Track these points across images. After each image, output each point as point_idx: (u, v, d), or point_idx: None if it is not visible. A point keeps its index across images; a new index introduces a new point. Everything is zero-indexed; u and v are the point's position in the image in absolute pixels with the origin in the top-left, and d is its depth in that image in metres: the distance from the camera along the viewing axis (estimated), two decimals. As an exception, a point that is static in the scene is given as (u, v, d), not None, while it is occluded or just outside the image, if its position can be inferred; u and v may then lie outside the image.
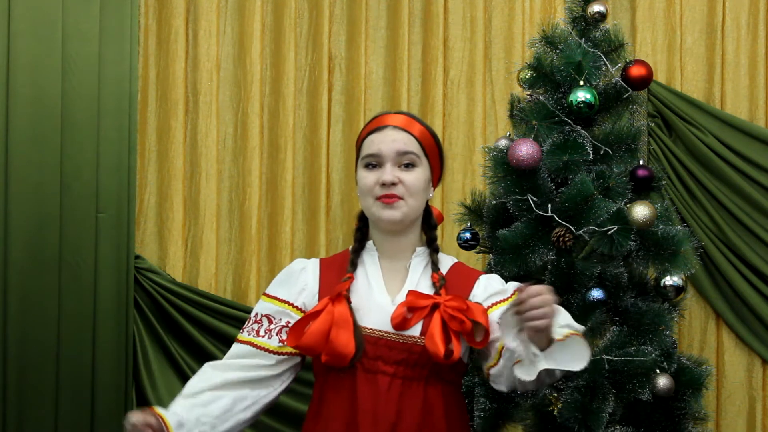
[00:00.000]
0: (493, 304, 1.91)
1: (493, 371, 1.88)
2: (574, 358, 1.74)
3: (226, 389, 1.88)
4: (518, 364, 1.77)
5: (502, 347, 1.84)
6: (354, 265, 1.94)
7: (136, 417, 1.77)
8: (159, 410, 1.80)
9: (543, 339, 1.72)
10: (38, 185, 3.19)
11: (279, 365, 1.92)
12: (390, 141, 1.89)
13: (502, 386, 1.87)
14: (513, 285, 1.95)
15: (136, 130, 3.35)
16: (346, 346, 1.80)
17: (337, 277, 1.92)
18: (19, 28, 3.18)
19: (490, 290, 1.93)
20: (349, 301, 1.85)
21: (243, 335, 1.95)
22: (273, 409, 3.32)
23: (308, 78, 3.51)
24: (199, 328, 3.33)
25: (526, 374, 1.76)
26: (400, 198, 1.88)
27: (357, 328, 1.83)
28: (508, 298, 1.92)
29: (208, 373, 1.91)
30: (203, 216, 3.42)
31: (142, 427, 1.76)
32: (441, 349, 1.78)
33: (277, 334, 1.92)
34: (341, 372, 1.85)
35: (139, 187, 3.38)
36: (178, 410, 1.83)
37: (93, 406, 3.24)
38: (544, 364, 1.73)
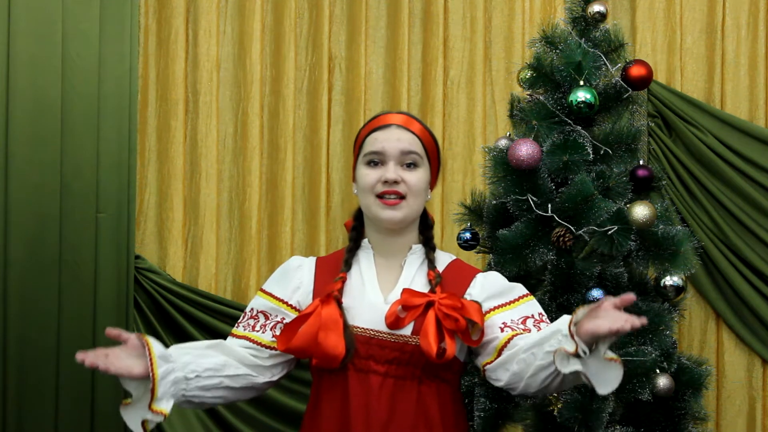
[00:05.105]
0: (494, 308, 1.90)
1: (489, 367, 1.87)
2: (606, 380, 1.67)
3: (222, 353, 1.90)
4: (558, 351, 1.69)
5: (502, 345, 1.84)
6: (348, 265, 1.94)
7: (114, 330, 1.75)
8: (147, 336, 1.77)
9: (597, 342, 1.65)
10: (38, 185, 3.19)
11: (271, 359, 1.94)
12: (395, 140, 1.89)
13: (500, 380, 1.86)
14: (517, 287, 1.95)
15: (136, 130, 3.35)
16: (335, 347, 1.80)
17: (333, 275, 1.92)
18: (19, 28, 3.18)
19: (489, 291, 1.92)
20: (339, 302, 1.85)
21: (238, 330, 1.96)
22: (272, 408, 3.36)
23: (308, 78, 3.51)
24: (199, 328, 3.33)
25: (563, 365, 1.68)
26: (402, 197, 1.88)
27: (347, 329, 1.83)
28: (512, 302, 1.91)
29: (210, 341, 1.94)
30: (203, 216, 3.42)
31: (115, 335, 1.74)
32: (434, 348, 1.78)
33: (271, 329, 1.93)
34: (334, 373, 1.85)
35: (139, 187, 3.38)
36: (170, 349, 1.82)
37: (93, 406, 3.24)
38: (579, 367, 1.65)
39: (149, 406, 1.73)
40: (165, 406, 1.75)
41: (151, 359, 1.72)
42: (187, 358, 1.84)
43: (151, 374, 1.72)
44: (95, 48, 3.26)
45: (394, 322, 1.83)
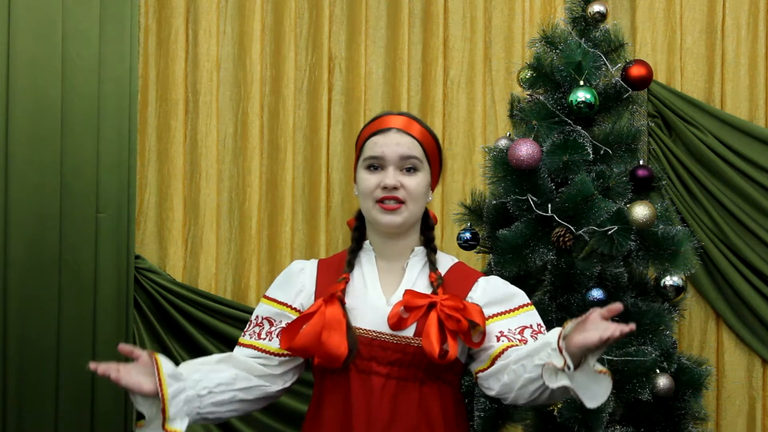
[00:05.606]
0: (494, 315, 1.89)
1: (481, 374, 1.88)
2: (594, 393, 1.66)
3: (232, 366, 1.90)
4: (546, 366, 1.69)
5: (496, 354, 1.84)
6: (351, 266, 1.94)
7: (126, 346, 1.75)
8: (157, 354, 1.76)
9: (583, 355, 1.64)
10: (38, 185, 3.19)
11: (281, 366, 1.93)
12: (394, 144, 1.89)
13: (491, 390, 1.86)
14: (519, 295, 1.94)
15: (136, 130, 3.35)
16: (338, 347, 1.80)
17: (335, 277, 1.92)
18: (19, 28, 3.18)
19: (491, 296, 1.91)
20: (342, 302, 1.85)
21: (245, 338, 1.95)
22: (273, 409, 3.36)
23: (308, 78, 3.51)
24: (199, 328, 3.33)
25: (551, 380, 1.68)
26: (402, 202, 1.87)
27: (350, 330, 1.83)
28: (511, 310, 1.90)
29: (219, 354, 1.94)
30: (203, 216, 3.42)
31: (127, 352, 1.75)
32: (436, 349, 1.78)
33: (277, 336, 1.92)
34: (336, 373, 1.85)
35: (139, 187, 3.38)
36: (180, 367, 1.82)
37: (93, 406, 3.24)
38: (567, 382, 1.65)
39: (163, 427, 1.72)
40: (179, 425, 1.74)
41: (159, 378, 1.72)
42: (197, 375, 1.83)
43: (160, 393, 1.71)
44: (95, 48, 3.26)
45: (397, 323, 1.83)
